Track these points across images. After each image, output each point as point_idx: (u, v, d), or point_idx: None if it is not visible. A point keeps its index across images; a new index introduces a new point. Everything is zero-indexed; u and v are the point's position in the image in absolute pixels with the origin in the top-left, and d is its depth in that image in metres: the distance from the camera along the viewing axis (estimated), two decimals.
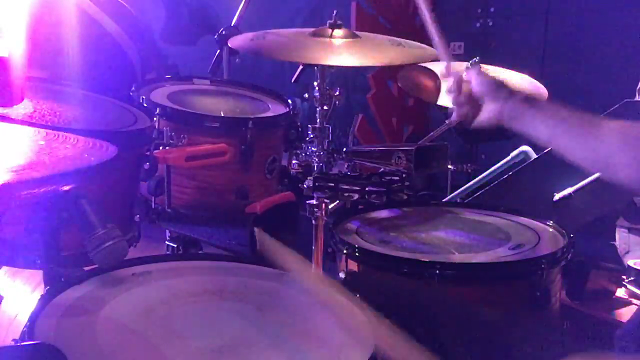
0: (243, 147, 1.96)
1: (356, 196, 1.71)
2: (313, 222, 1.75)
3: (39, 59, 2.17)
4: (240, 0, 2.63)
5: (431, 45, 1.77)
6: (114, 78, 2.11)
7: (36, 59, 2.13)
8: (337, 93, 1.81)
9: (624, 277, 2.10)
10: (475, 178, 2.85)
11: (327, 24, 1.76)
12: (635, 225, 2.40)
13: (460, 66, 1.64)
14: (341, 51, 1.72)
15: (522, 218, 1.88)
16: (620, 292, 2.07)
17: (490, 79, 1.46)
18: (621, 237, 2.37)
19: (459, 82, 1.50)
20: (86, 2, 2.51)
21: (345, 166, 1.84)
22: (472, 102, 1.47)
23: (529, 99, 1.43)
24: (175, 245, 2.18)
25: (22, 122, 1.40)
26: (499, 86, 1.45)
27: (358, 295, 1.27)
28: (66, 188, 0.87)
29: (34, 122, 1.44)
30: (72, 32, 2.40)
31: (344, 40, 1.75)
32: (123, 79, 2.28)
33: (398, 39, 1.85)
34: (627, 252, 2.32)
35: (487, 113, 1.44)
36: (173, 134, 1.82)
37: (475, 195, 2.59)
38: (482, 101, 1.46)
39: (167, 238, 2.20)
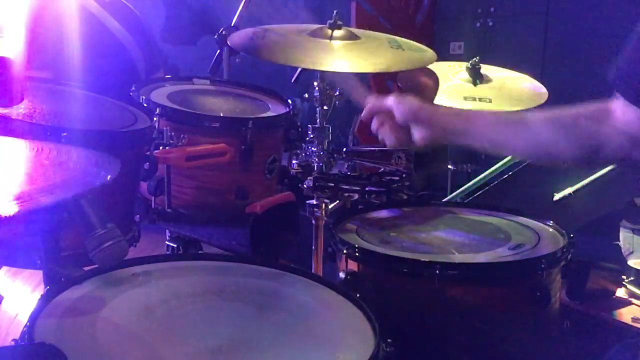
0: (243, 147, 1.96)
1: (356, 196, 1.71)
2: (313, 222, 1.75)
3: (41, 58, 2.18)
4: (240, 0, 2.63)
5: (429, 45, 1.77)
6: (116, 77, 2.11)
7: (38, 58, 2.14)
8: (337, 93, 1.81)
9: (624, 277, 2.10)
10: (475, 178, 2.85)
11: (327, 24, 1.76)
12: (637, 226, 2.39)
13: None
14: (340, 55, 1.72)
15: (522, 218, 1.89)
16: (620, 292, 2.07)
17: (410, 109, 1.45)
18: (625, 238, 2.37)
19: (380, 114, 1.49)
20: (88, 1, 2.52)
21: (345, 166, 1.84)
22: (401, 130, 1.47)
23: (453, 114, 1.45)
24: (175, 245, 2.18)
25: (22, 122, 1.40)
26: (419, 111, 1.44)
27: (358, 295, 1.27)
28: None
29: (34, 122, 1.44)
30: (74, 31, 2.41)
31: (344, 41, 1.75)
32: (125, 79, 2.28)
33: (398, 39, 1.85)
34: (631, 253, 2.32)
35: (420, 138, 1.44)
36: (173, 134, 1.82)
37: (475, 195, 2.59)
38: (410, 127, 1.46)
39: (167, 238, 2.20)
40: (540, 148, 1.33)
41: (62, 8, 2.43)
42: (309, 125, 1.83)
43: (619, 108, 1.21)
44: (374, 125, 1.50)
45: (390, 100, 1.47)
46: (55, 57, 2.32)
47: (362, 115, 1.53)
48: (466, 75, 2.38)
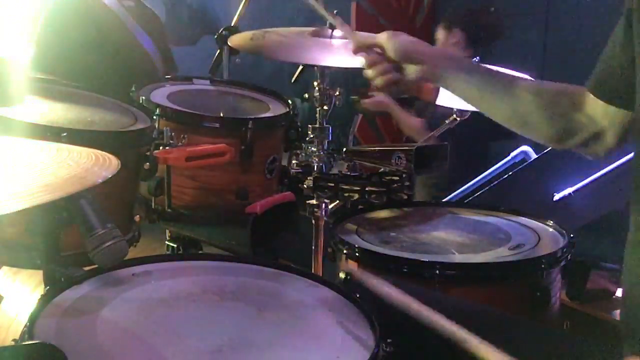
0: (243, 147, 1.96)
1: (356, 196, 1.71)
2: (313, 222, 1.75)
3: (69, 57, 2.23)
4: (240, 0, 2.63)
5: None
6: (140, 82, 2.13)
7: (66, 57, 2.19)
8: (337, 93, 1.81)
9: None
10: (475, 178, 2.85)
11: (327, 24, 1.76)
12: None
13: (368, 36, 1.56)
14: (340, 52, 1.72)
15: (522, 218, 1.89)
16: (620, 292, 2.07)
17: (405, 43, 1.43)
18: None
19: (373, 50, 1.46)
20: (115, 5, 2.57)
21: (345, 166, 1.84)
22: (393, 68, 1.44)
23: (448, 57, 1.44)
24: (175, 245, 2.18)
25: (22, 122, 1.40)
26: (415, 47, 1.43)
27: (358, 295, 1.27)
28: None
29: (34, 122, 1.44)
30: (101, 34, 2.46)
31: (344, 40, 1.75)
32: (146, 79, 2.32)
33: None
34: None
35: (412, 74, 1.42)
36: (173, 134, 1.82)
37: (475, 195, 2.60)
38: (403, 65, 1.43)
39: (167, 238, 2.20)
40: (518, 117, 1.37)
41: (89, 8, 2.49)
42: (309, 125, 1.83)
43: (589, 100, 1.29)
44: (371, 60, 1.46)
45: (382, 36, 1.45)
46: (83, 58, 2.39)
47: (352, 49, 1.49)
48: None
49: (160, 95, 2.08)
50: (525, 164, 2.68)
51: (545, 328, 1.44)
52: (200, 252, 2.18)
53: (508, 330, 1.36)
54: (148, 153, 1.65)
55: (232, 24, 2.58)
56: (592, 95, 1.29)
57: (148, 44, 2.72)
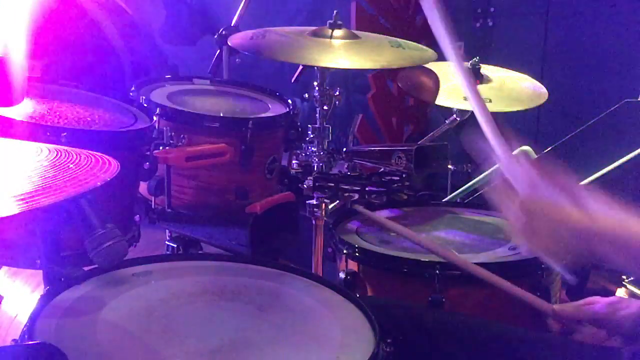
0: (243, 147, 1.96)
1: (356, 196, 1.71)
2: (313, 222, 1.75)
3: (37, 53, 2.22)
4: (240, 0, 2.63)
5: (429, 45, 1.76)
6: (104, 78, 2.14)
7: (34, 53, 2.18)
8: (337, 93, 1.81)
9: (624, 277, 2.10)
10: (475, 178, 2.85)
11: (327, 24, 1.77)
12: None
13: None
14: (341, 52, 1.72)
15: None
16: (620, 292, 2.07)
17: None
18: None
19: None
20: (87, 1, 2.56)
21: (345, 166, 1.84)
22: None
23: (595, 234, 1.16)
24: (175, 245, 2.18)
25: (22, 122, 1.41)
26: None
27: (358, 295, 1.27)
28: None
29: (34, 122, 1.44)
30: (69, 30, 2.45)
31: (344, 40, 1.75)
32: (112, 79, 2.31)
33: (398, 39, 1.85)
34: None
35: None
36: (173, 134, 1.82)
37: (475, 195, 2.59)
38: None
39: (167, 238, 2.20)
40: None
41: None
42: (309, 125, 1.83)
43: None
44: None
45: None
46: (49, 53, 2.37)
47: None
48: None
49: (160, 95, 2.08)
50: None
51: (541, 329, 1.43)
52: (200, 252, 2.18)
53: (503, 331, 1.36)
54: (148, 153, 1.65)
55: (232, 24, 2.58)
56: None
57: (120, 48, 2.75)
